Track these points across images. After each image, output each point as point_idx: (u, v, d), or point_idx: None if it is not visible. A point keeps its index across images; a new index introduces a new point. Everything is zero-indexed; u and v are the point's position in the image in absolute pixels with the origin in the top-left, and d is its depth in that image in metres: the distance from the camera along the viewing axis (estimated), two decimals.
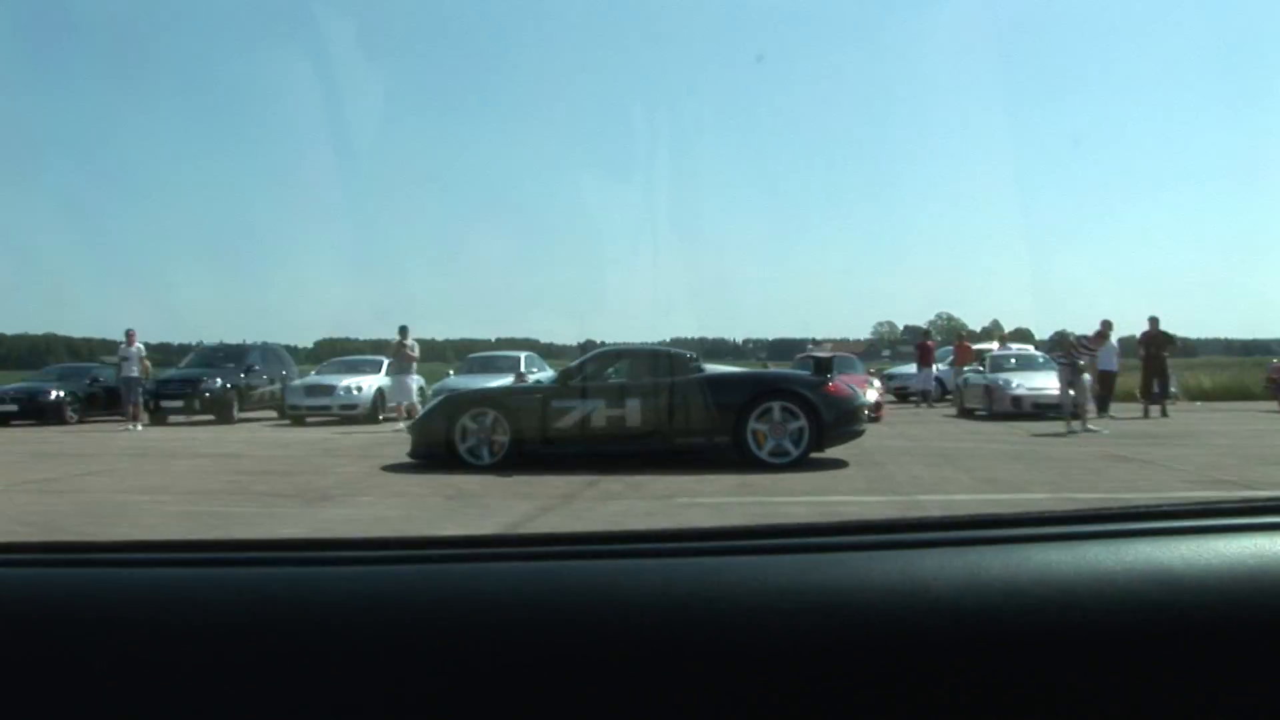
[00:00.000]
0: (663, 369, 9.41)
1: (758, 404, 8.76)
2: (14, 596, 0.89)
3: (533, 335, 40.36)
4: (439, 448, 9.00)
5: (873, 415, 9.48)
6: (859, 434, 9.06)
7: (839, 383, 9.06)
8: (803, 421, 8.67)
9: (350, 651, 0.80)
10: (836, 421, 8.79)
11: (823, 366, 9.25)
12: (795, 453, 8.62)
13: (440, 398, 9.63)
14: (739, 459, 8.63)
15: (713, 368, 9.57)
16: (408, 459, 9.24)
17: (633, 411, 9.00)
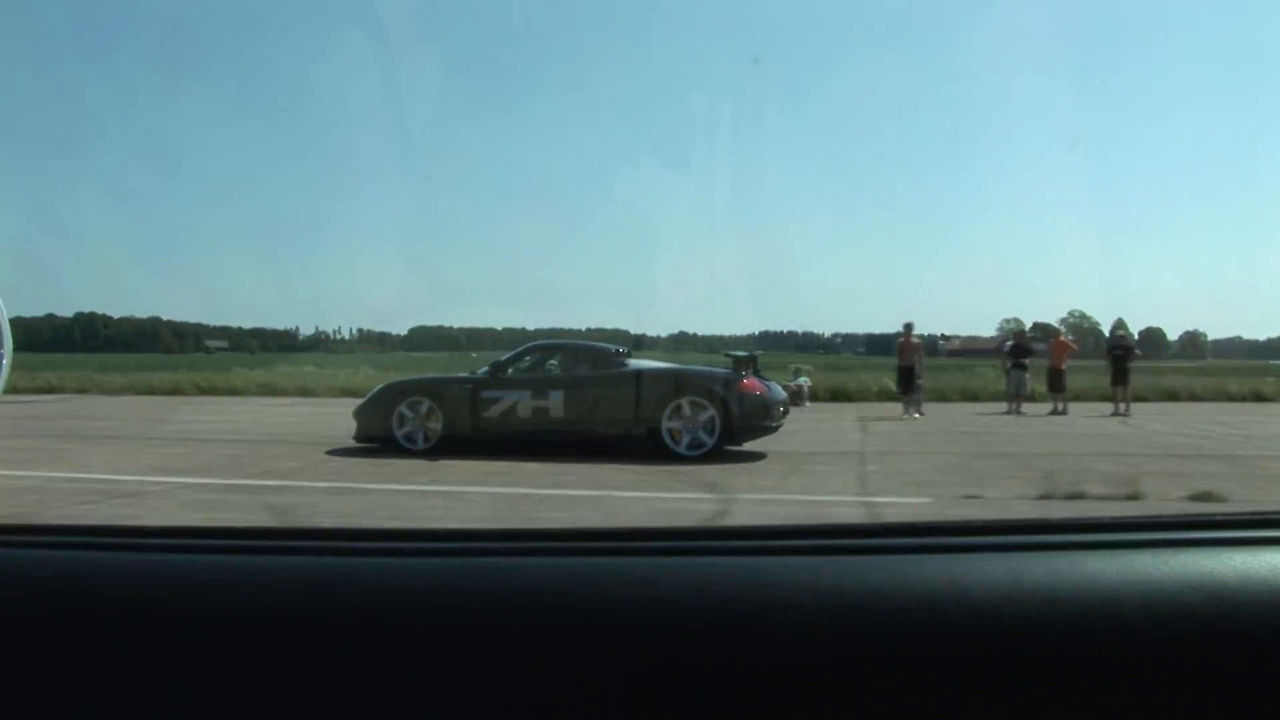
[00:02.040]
0: (588, 362, 10.03)
1: (673, 398, 9.38)
2: (43, 576, 0.89)
3: (593, 324, 40.01)
4: (378, 433, 9.65)
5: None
6: (772, 430, 9.65)
7: (753, 380, 9.63)
8: (714, 415, 9.29)
9: (363, 640, 0.80)
10: (747, 417, 9.39)
11: (740, 364, 9.82)
12: (707, 445, 9.23)
13: (380, 386, 10.23)
14: (654, 450, 9.25)
15: (639, 363, 10.12)
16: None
17: (556, 403, 9.62)
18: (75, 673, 0.81)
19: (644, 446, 9.33)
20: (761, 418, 9.51)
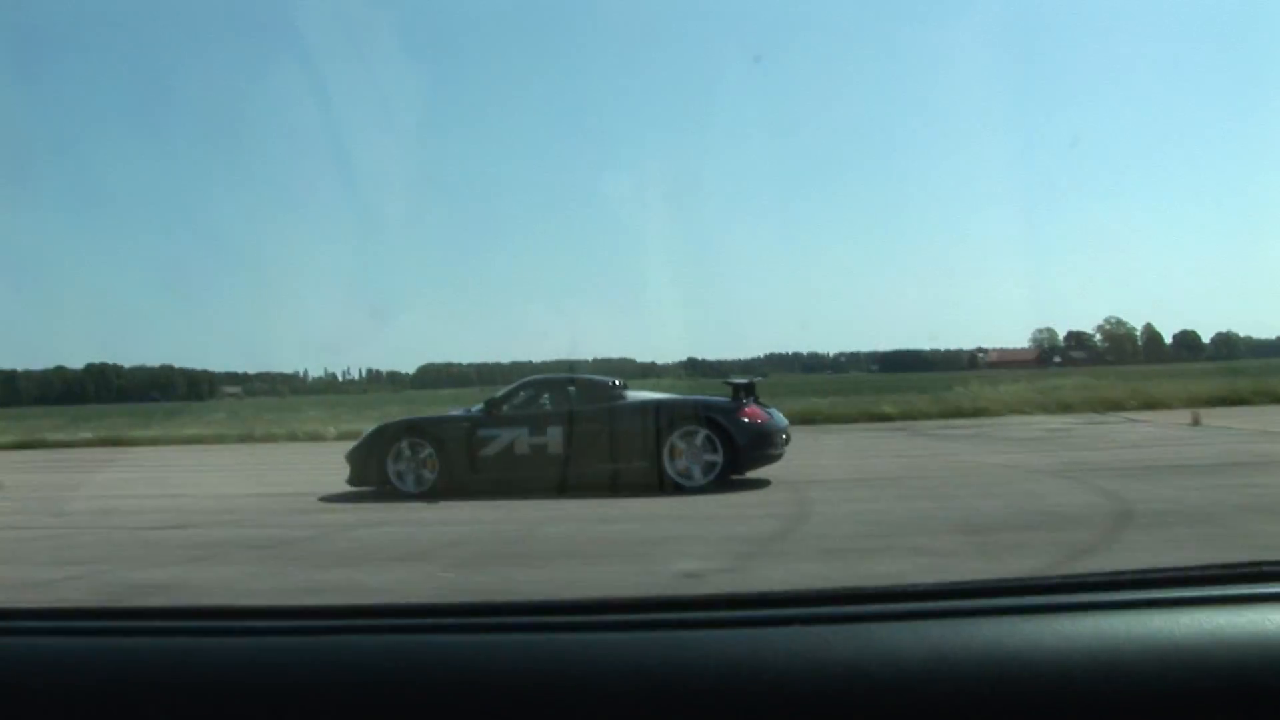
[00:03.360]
0: (586, 396, 9.79)
1: (673, 430, 9.12)
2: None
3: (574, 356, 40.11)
4: (373, 477, 9.41)
5: None
6: (775, 457, 9.38)
7: (754, 408, 9.37)
8: (718, 446, 9.03)
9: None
10: (751, 446, 9.13)
11: (739, 391, 9.56)
12: (709, 477, 8.97)
13: (373, 428, 9.99)
14: (657, 484, 8.99)
15: (637, 394, 9.88)
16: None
17: (555, 439, 9.36)
18: None
19: (646, 480, 9.07)
20: (764, 446, 9.24)
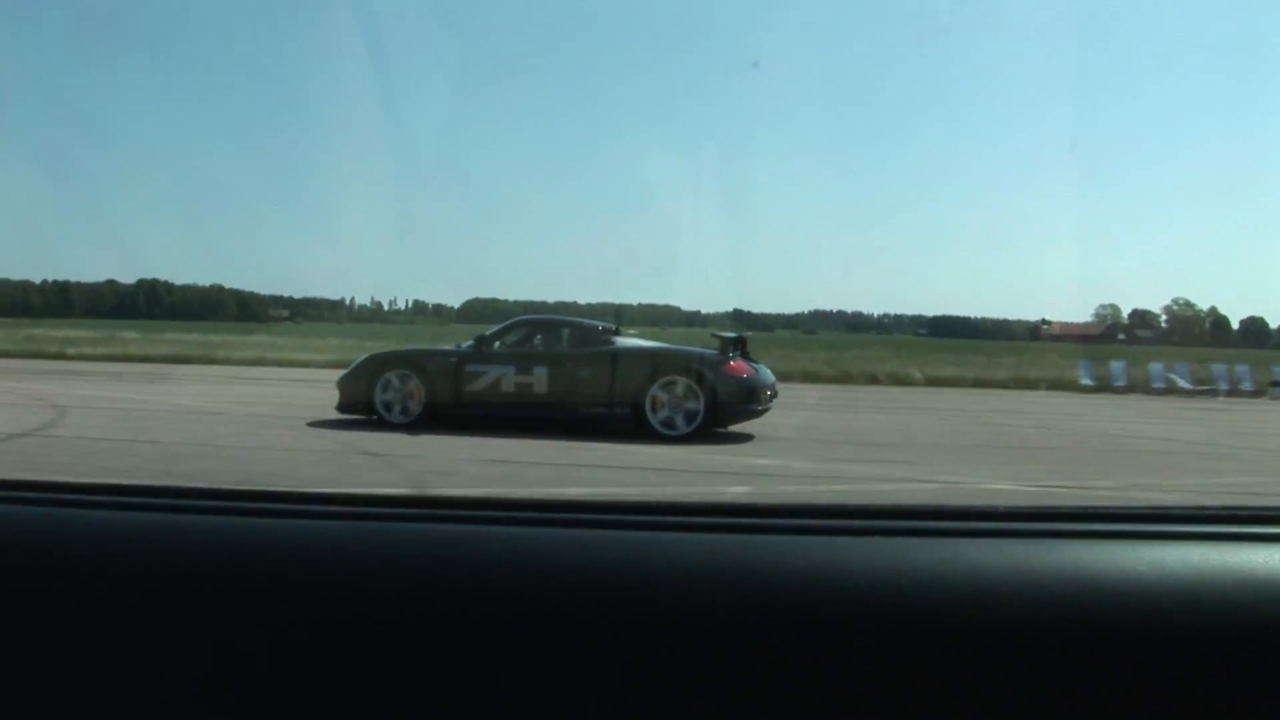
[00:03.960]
0: (574, 339, 9.86)
1: (658, 378, 9.16)
2: (26, 531, 0.91)
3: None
4: (361, 404, 9.58)
5: None
6: (759, 413, 9.39)
7: (740, 362, 9.37)
8: (698, 396, 9.06)
9: (315, 602, 0.82)
10: (733, 399, 9.15)
11: (727, 345, 9.56)
12: (690, 427, 9.02)
13: (363, 356, 10.15)
14: (637, 430, 9.06)
15: (625, 341, 9.92)
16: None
17: (540, 379, 9.45)
18: (15, 626, 0.82)
19: (627, 426, 9.14)
20: (747, 400, 9.25)
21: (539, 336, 10.07)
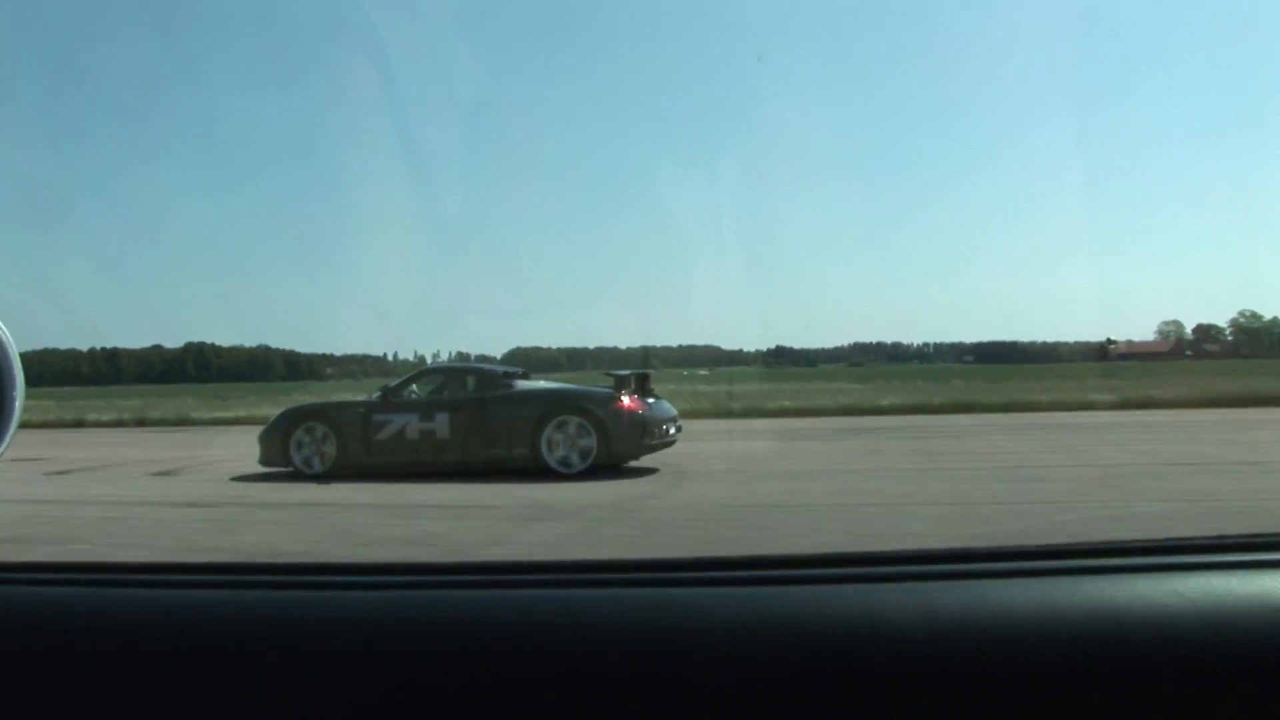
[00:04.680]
0: (476, 384, 10.25)
1: (551, 418, 9.48)
2: (33, 613, 0.93)
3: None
4: (278, 458, 10.05)
5: None
6: (655, 447, 9.64)
7: (633, 399, 9.65)
8: (591, 434, 9.36)
9: (346, 673, 0.83)
10: (624, 435, 9.43)
11: (621, 383, 9.85)
12: (585, 464, 9.31)
13: (280, 411, 10.62)
14: (535, 469, 9.37)
15: (525, 384, 10.28)
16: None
17: (442, 425, 9.82)
18: (57, 704, 0.84)
19: (527, 466, 9.45)
20: (640, 435, 9.51)
21: (444, 384, 10.48)
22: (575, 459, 9.35)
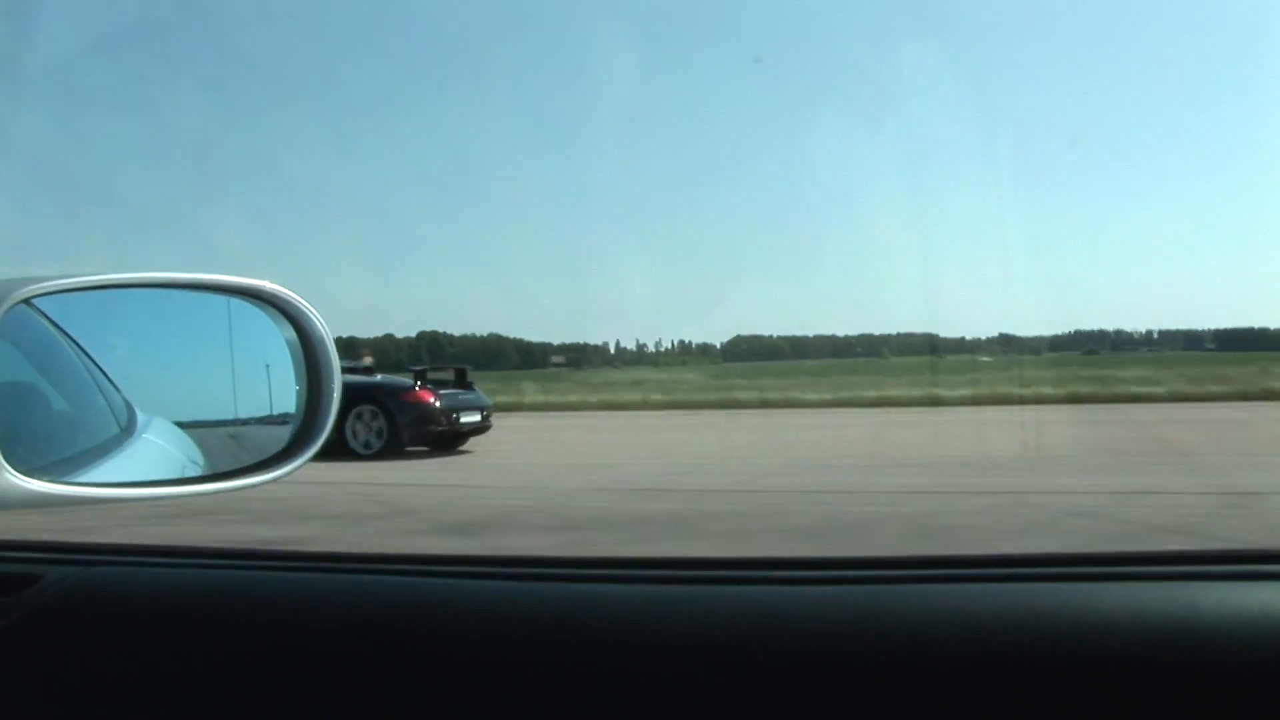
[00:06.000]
0: None
1: (353, 408, 11.06)
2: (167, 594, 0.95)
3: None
4: None
5: None
6: (443, 434, 11.02)
7: (424, 390, 11.06)
8: (383, 421, 10.84)
9: (347, 662, 0.85)
10: (414, 423, 10.89)
11: (416, 376, 11.35)
12: (377, 446, 10.88)
13: None
14: (340, 452, 10.98)
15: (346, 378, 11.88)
16: None
17: None
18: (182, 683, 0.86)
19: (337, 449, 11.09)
20: (425, 423, 10.92)
21: None
22: (374, 442, 10.88)
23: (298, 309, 1.07)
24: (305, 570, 0.99)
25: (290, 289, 1.07)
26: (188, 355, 1.31)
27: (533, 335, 47.20)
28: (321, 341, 1.08)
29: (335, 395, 1.08)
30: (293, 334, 1.10)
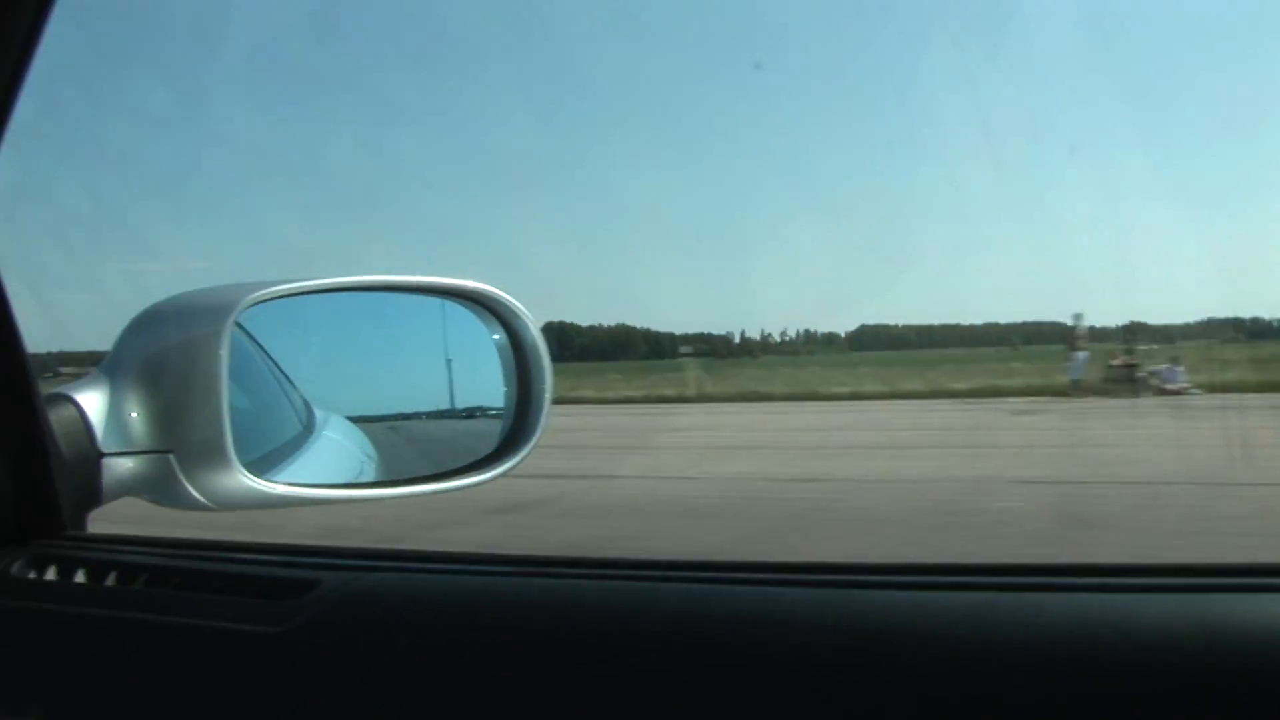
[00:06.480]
0: None
1: None
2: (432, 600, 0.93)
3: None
4: None
5: None
6: None
7: None
8: None
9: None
10: None
11: None
12: None
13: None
14: None
15: None
16: None
17: None
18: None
19: None
20: None
21: None
22: None
23: (511, 310, 1.10)
24: (591, 578, 0.96)
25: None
26: (390, 354, 1.37)
27: (659, 326, 47.00)
28: (534, 345, 1.10)
29: (547, 396, 1.09)
30: (503, 335, 1.12)
